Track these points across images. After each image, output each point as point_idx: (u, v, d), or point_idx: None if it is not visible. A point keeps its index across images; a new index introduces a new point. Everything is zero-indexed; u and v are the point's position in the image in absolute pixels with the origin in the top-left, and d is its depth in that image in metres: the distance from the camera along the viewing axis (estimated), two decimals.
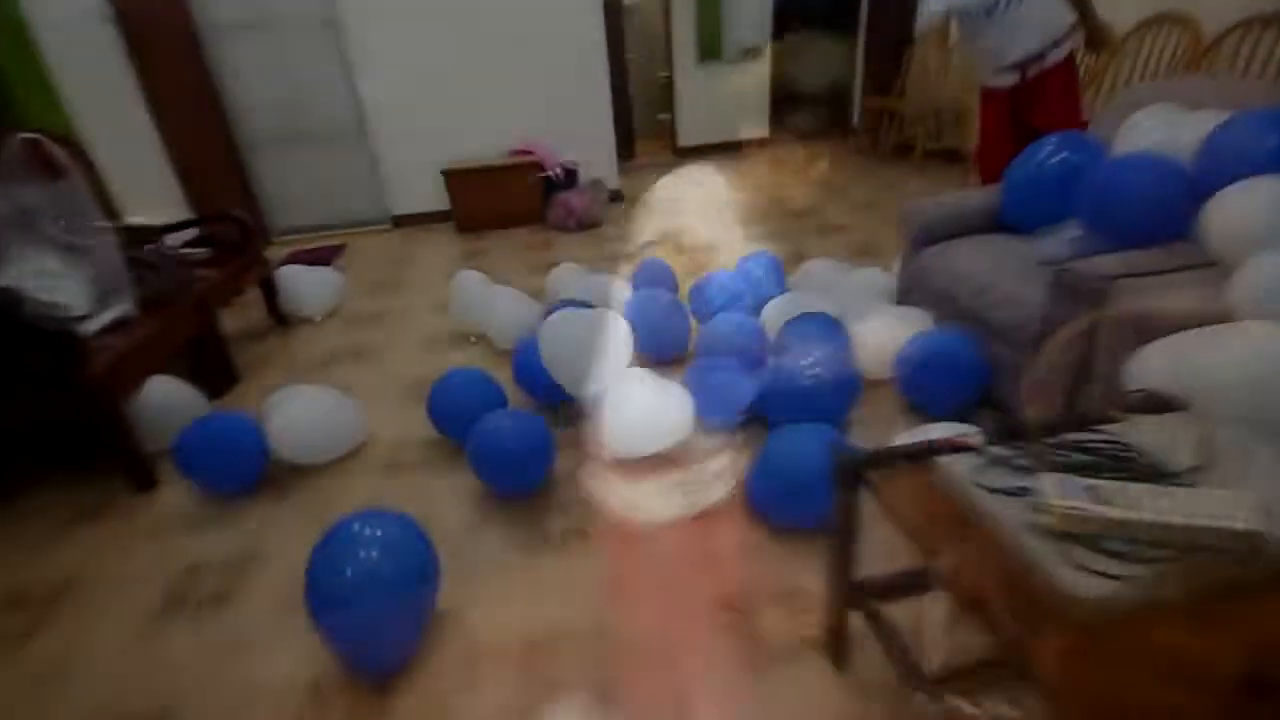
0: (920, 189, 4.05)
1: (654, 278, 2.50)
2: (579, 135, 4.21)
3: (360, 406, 1.95)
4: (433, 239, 4.01)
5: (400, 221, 4.29)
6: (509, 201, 3.97)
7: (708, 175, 5.09)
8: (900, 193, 4.04)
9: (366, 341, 2.64)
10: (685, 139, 5.87)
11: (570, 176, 4.09)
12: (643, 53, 6.93)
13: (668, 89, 7.05)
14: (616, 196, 4.43)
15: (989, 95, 2.43)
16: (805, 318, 1.90)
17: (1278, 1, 2.49)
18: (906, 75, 4.95)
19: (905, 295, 2.07)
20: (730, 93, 5.78)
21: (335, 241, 4.02)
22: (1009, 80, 2.29)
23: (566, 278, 2.59)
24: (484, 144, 4.12)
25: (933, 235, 1.96)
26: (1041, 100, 2.27)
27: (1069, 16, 2.16)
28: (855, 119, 6.11)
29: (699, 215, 3.99)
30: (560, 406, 1.87)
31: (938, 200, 1.99)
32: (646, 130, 7.15)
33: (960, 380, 1.68)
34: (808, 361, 1.64)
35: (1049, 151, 1.80)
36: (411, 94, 3.96)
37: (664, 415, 1.63)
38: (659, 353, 2.13)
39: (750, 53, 5.67)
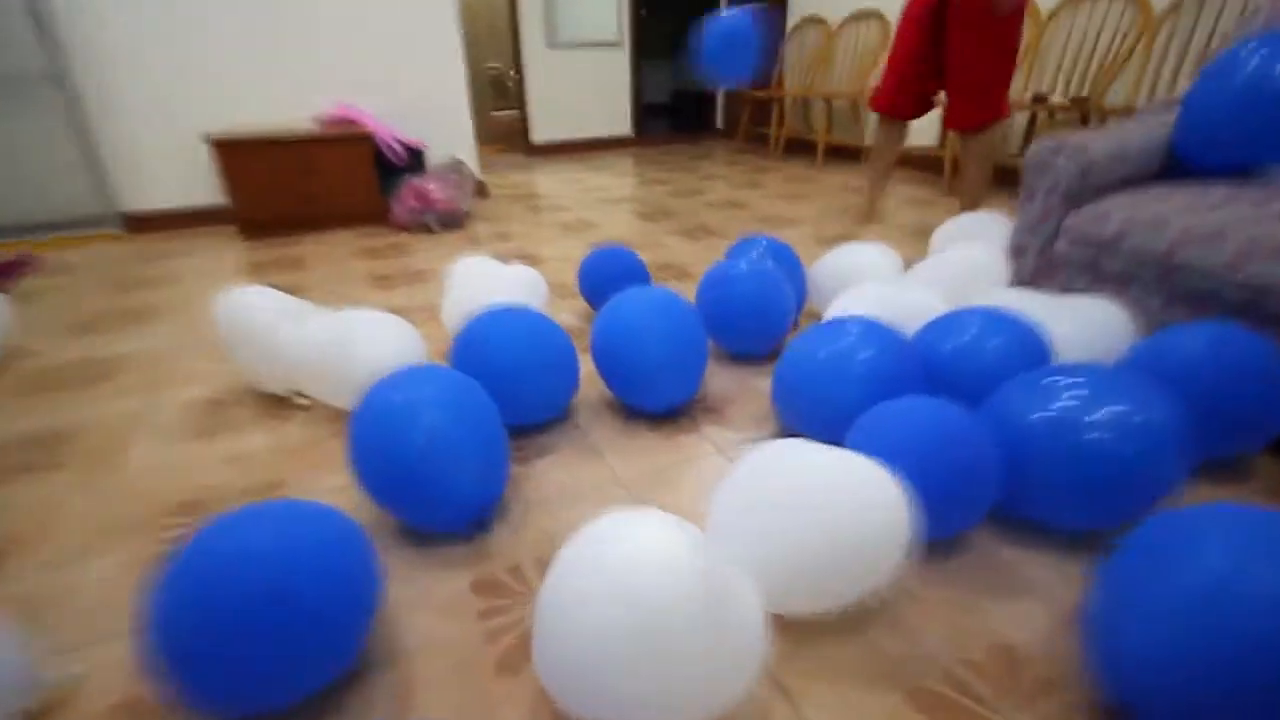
0: (841, 183, 3.57)
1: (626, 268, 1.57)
2: (422, 105, 3.08)
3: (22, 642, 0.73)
4: (199, 247, 2.59)
5: (138, 223, 2.78)
6: (327, 189, 2.71)
7: (586, 172, 4.20)
8: (821, 185, 3.52)
9: (62, 425, 1.31)
10: (539, 134, 4.93)
11: (415, 158, 2.94)
12: (467, 42, 5.99)
13: (500, 83, 6.11)
14: (482, 191, 3.35)
15: (909, 5, 2.17)
16: (968, 318, 1.09)
17: None
18: (782, 64, 4.58)
19: (1038, 275, 1.38)
20: (588, 84, 4.98)
21: (10, 255, 2.40)
22: None
23: (479, 273, 1.52)
24: (275, 108, 2.81)
25: (1090, 187, 1.29)
26: (964, 21, 1.97)
27: None
28: (719, 120, 5.68)
29: (602, 212, 3.08)
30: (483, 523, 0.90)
31: (1086, 137, 1.32)
32: (481, 128, 6.17)
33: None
34: (1087, 399, 0.82)
35: (1255, 53, 1.22)
36: (152, 24, 2.55)
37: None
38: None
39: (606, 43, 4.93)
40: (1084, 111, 2.69)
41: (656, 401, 1.20)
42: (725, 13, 1.67)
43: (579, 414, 1.29)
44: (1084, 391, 0.84)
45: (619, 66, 5.05)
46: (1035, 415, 0.85)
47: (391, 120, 2.93)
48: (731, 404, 1.31)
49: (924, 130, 3.59)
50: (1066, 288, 1.30)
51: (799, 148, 4.60)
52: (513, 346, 1.13)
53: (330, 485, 1.08)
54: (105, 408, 1.38)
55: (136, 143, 2.67)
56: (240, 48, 2.69)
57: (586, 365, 1.27)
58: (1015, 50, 2.03)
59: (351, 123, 2.75)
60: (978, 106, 2.08)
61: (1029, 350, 1.04)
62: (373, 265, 2.32)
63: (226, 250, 2.55)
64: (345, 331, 1.17)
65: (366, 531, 0.75)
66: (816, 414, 1.02)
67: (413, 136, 2.97)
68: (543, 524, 0.99)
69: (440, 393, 0.91)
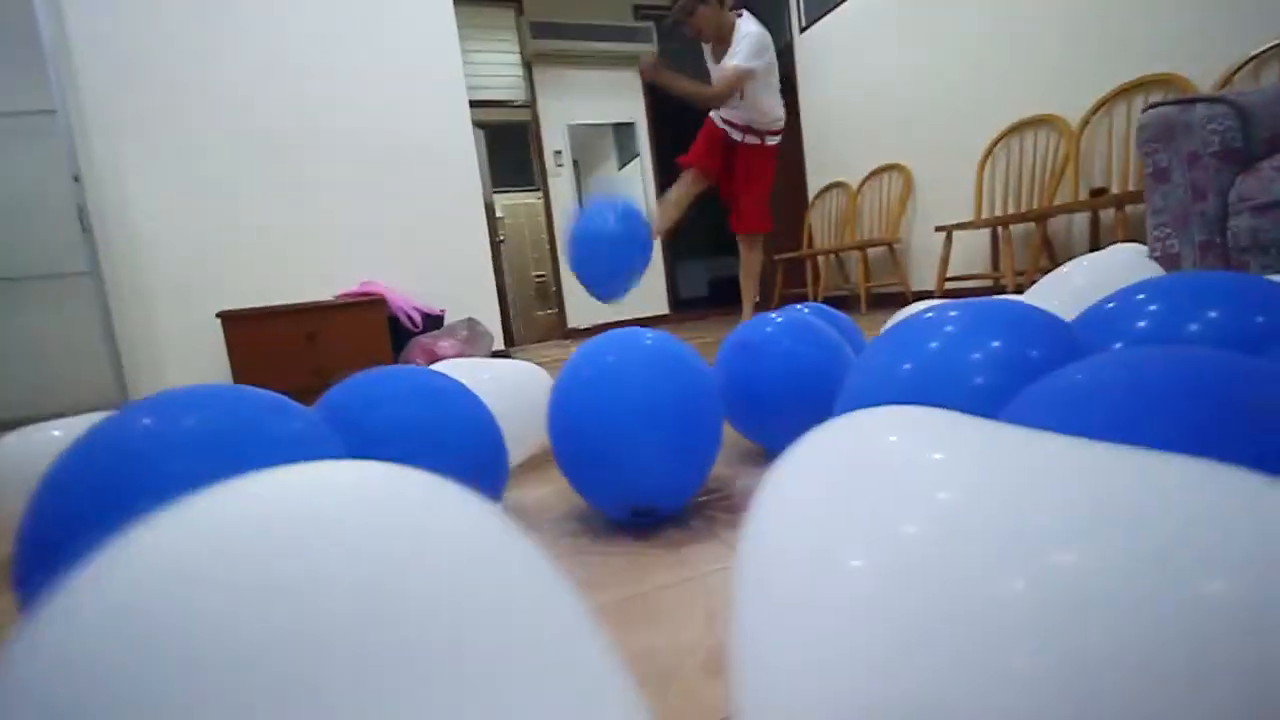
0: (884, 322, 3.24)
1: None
2: (448, 279, 3.07)
3: None
4: None
5: None
6: (334, 359, 2.56)
7: None
8: (868, 323, 3.20)
9: None
10: (576, 320, 4.96)
11: (432, 323, 2.83)
12: (514, 257, 6.50)
13: (544, 289, 6.44)
14: (501, 356, 3.18)
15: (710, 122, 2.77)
16: (1169, 283, 0.65)
17: None
18: (810, 228, 4.60)
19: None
20: None
21: None
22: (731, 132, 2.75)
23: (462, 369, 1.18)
24: (298, 289, 2.82)
25: (1257, 139, 0.91)
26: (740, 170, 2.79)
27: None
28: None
29: None
30: None
31: (1246, 94, 0.97)
32: (527, 328, 6.40)
33: None
34: None
35: None
36: (185, 218, 2.68)
37: None
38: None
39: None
40: None
41: (625, 507, 0.76)
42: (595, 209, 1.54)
43: (532, 515, 0.84)
44: None
45: (653, 261, 5.21)
46: None
47: (411, 289, 2.89)
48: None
49: (970, 260, 3.35)
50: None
51: (839, 304, 4.40)
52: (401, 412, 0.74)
53: None
54: None
55: (155, 328, 2.66)
56: (265, 234, 2.79)
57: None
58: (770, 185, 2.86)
59: (368, 296, 2.71)
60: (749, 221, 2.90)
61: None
62: None
63: None
64: None
65: None
66: None
67: (433, 304, 2.90)
68: None
69: None
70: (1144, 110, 1.01)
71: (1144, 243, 2.45)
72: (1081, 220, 2.86)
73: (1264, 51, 2.18)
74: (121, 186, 2.61)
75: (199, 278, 2.70)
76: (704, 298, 6.84)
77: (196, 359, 2.69)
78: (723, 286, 6.64)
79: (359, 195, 2.93)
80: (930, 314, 0.63)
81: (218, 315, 2.44)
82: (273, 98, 2.78)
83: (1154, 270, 0.98)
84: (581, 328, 4.95)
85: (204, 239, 2.71)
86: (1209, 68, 2.36)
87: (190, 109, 2.67)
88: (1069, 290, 0.98)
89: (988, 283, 3.26)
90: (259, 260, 2.78)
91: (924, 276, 3.79)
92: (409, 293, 2.90)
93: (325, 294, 2.81)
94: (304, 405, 0.67)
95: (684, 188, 2.86)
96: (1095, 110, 2.72)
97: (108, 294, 2.59)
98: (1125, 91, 2.61)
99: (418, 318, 2.74)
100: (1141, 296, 0.63)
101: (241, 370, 2.45)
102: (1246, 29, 2.26)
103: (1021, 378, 0.52)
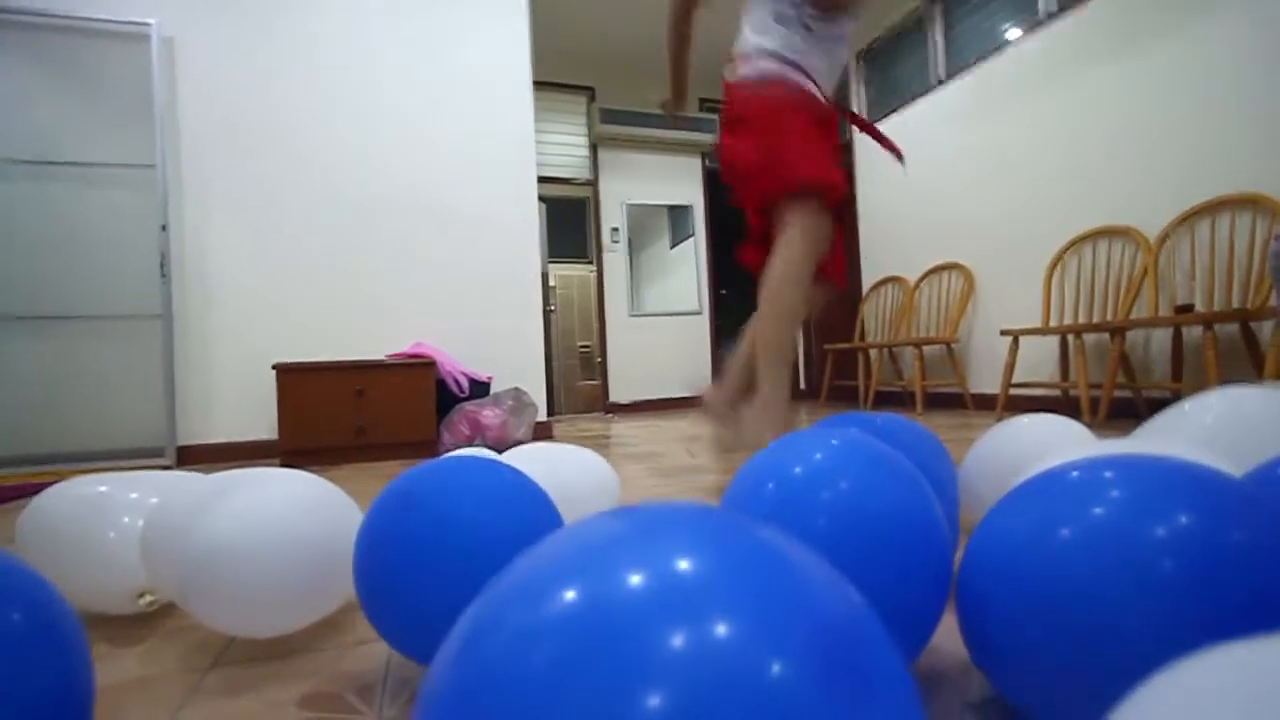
0: (944, 423, 3.10)
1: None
2: (499, 347, 3.08)
3: None
4: None
5: (188, 454, 2.67)
6: (379, 418, 2.55)
7: (663, 421, 3.99)
8: (928, 424, 3.05)
9: None
10: (617, 395, 4.92)
11: (479, 389, 2.81)
12: (562, 326, 6.60)
13: (588, 359, 6.48)
14: (543, 431, 3.13)
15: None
16: None
17: None
18: (862, 320, 4.53)
19: None
20: (668, 348, 5.10)
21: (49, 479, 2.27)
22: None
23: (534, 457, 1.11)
24: (353, 346, 2.86)
25: None
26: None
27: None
28: (802, 382, 5.55)
29: (673, 447, 2.72)
30: None
31: None
32: (569, 396, 6.41)
33: None
34: None
35: None
36: (254, 271, 2.78)
37: None
38: None
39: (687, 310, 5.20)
40: (1246, 318, 2.24)
41: None
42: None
43: None
44: None
45: (700, 333, 5.21)
46: None
47: (461, 353, 2.90)
48: None
49: (1033, 367, 3.20)
50: None
51: (890, 399, 4.26)
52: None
53: None
54: None
55: (210, 374, 2.71)
56: (328, 292, 2.86)
57: None
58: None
59: (417, 358, 2.72)
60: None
61: None
62: None
63: None
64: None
65: None
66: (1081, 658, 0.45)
67: (481, 370, 2.90)
68: None
69: None
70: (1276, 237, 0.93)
71: (1238, 366, 2.29)
72: (1161, 336, 2.71)
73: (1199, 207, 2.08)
74: (200, 237, 2.73)
75: (260, 328, 2.76)
76: None
77: (245, 406, 2.71)
78: None
79: (421, 259, 3.00)
80: (1078, 473, 0.53)
81: (273, 367, 2.47)
82: (350, 162, 2.93)
83: None
84: (623, 402, 4.90)
85: (268, 291, 2.79)
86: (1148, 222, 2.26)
87: (272, 169, 2.82)
88: (1199, 429, 0.87)
89: (1055, 392, 3.10)
90: (318, 316, 2.84)
91: (982, 379, 3.64)
92: (459, 357, 2.91)
93: (378, 353, 2.84)
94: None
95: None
96: (1179, 223, 2.63)
97: (174, 337, 2.67)
98: (1211, 208, 2.52)
99: (465, 383, 2.73)
100: None
101: (286, 425, 2.45)
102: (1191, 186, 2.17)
103: (1222, 569, 0.42)
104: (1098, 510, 0.46)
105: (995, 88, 3.54)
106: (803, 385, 5.55)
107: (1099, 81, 2.97)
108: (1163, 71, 2.71)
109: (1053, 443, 1.01)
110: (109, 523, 0.80)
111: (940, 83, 3.96)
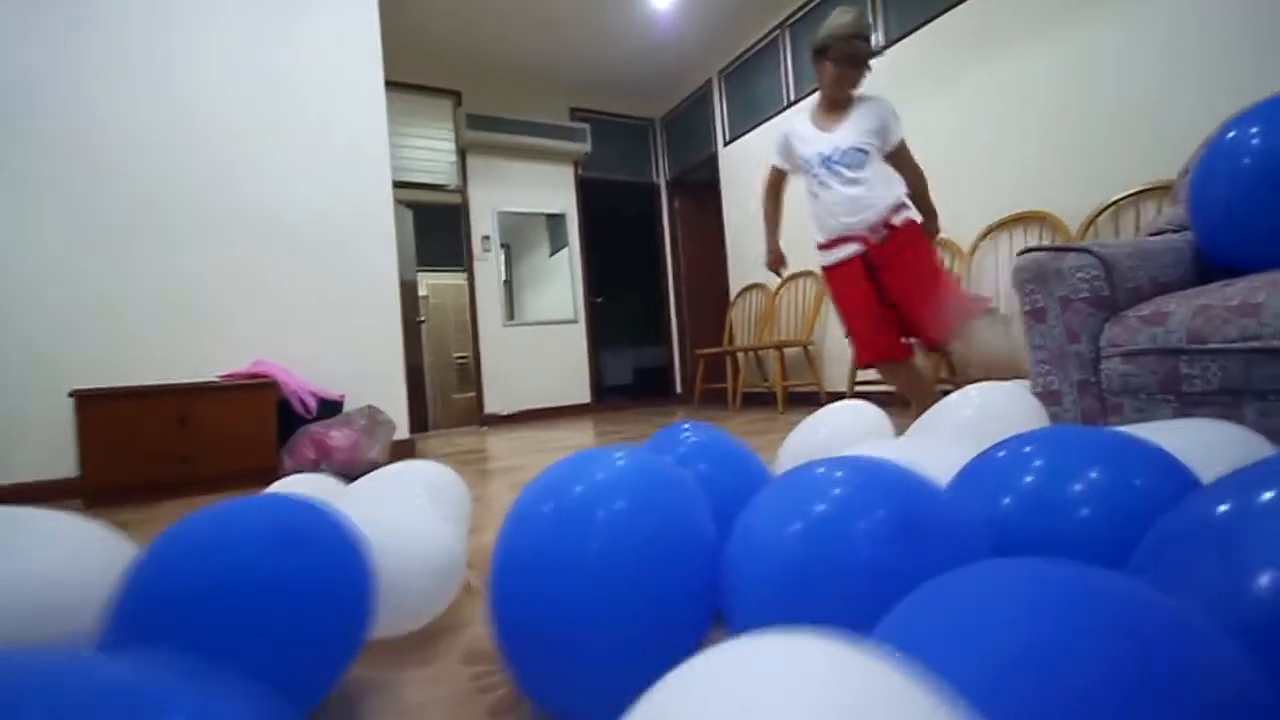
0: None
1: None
2: (353, 362, 2.89)
3: None
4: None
5: None
6: (206, 447, 2.30)
7: (539, 432, 3.92)
8: (785, 423, 3.24)
9: None
10: (494, 406, 4.79)
11: (329, 409, 2.62)
12: (436, 337, 6.35)
13: (465, 371, 6.28)
14: (404, 449, 2.97)
15: (833, 271, 2.16)
16: (1049, 441, 0.63)
17: None
18: (731, 325, 4.74)
19: (1091, 421, 0.96)
20: (546, 357, 5.05)
21: None
22: (849, 251, 2.06)
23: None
24: (182, 368, 2.56)
25: (1122, 288, 0.97)
26: (898, 266, 2.00)
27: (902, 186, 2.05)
28: (678, 386, 5.70)
29: (545, 459, 2.69)
30: None
31: (1109, 245, 1.03)
32: (444, 410, 6.17)
33: None
34: None
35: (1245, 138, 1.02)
36: (50, 283, 2.42)
37: None
38: None
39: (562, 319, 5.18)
40: None
41: None
42: None
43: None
44: None
45: (577, 341, 5.20)
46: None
47: (310, 371, 2.69)
48: None
49: None
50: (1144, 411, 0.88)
51: (756, 400, 4.49)
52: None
53: None
54: None
55: (4, 405, 2.32)
56: (144, 306, 2.55)
57: None
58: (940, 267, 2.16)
59: (258, 377, 2.49)
60: (942, 319, 2.04)
61: (1172, 483, 0.56)
62: None
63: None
64: None
65: None
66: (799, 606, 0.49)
67: (333, 389, 2.71)
68: None
69: None
70: (1019, 254, 1.07)
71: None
72: None
73: (1122, 199, 2.47)
74: None
75: (68, 350, 2.40)
76: (628, 385, 6.82)
77: (47, 440, 2.34)
78: (647, 376, 6.65)
79: (259, 269, 2.76)
80: (822, 469, 0.58)
81: (70, 394, 2.16)
82: (166, 160, 2.62)
83: (1035, 406, 1.00)
84: (502, 413, 4.78)
85: (79, 311, 2.44)
86: (1074, 210, 2.64)
87: (79, 183, 2.47)
88: (960, 421, 0.98)
89: (892, 388, 3.39)
90: (140, 336, 2.52)
91: (836, 377, 3.92)
92: (307, 374, 2.69)
93: (209, 374, 2.56)
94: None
95: (907, 390, 2.25)
96: (982, 238, 2.98)
97: None
98: (1005, 225, 2.89)
99: (313, 403, 2.54)
100: (1007, 454, 0.61)
101: (89, 462, 2.15)
102: (1116, 174, 2.54)
103: (907, 551, 0.48)
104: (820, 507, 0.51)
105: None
106: (678, 389, 5.70)
107: (972, 83, 3.30)
108: (1043, 71, 3.06)
109: (848, 429, 1.10)
110: None
111: (791, 103, 4.24)
